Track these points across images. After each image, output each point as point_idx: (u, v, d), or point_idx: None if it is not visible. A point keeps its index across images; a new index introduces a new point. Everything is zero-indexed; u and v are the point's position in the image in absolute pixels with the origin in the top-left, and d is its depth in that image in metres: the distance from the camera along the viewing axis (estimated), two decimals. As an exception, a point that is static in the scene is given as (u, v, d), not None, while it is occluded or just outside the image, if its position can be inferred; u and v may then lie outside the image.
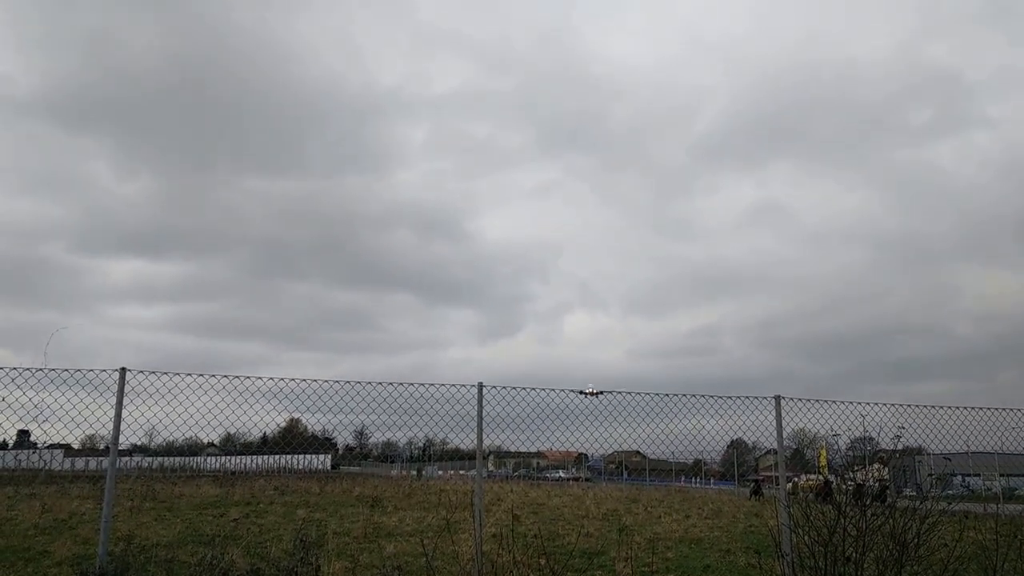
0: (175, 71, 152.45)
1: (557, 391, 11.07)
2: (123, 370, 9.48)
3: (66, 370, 9.33)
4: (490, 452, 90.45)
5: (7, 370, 9.09)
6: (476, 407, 10.28)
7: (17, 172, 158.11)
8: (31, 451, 56.54)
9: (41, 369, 9.26)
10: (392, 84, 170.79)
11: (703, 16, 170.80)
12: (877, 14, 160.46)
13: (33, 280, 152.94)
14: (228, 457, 75.51)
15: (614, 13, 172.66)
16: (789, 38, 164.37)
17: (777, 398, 10.76)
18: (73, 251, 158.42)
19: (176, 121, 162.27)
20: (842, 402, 11.08)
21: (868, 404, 11.28)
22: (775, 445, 10.97)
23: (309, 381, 10.23)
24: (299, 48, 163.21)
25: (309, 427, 16.43)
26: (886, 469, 10.30)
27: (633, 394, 11.05)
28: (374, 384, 10.34)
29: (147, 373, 9.61)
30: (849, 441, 11.05)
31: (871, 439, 11.13)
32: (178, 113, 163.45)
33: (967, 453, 13.23)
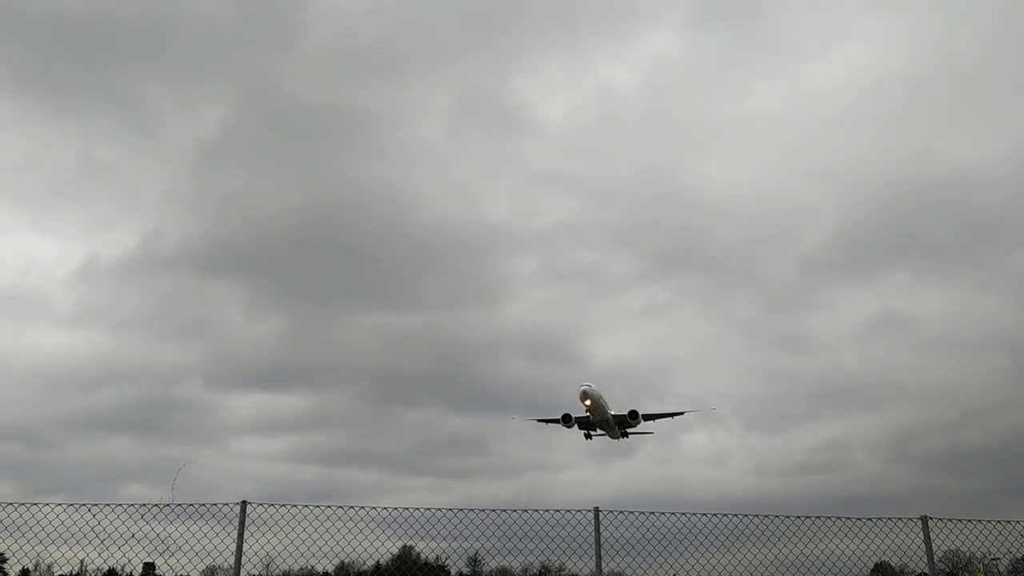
0: (302, 221, 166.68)
1: (678, 514, 10.50)
2: (244, 503, 9.64)
3: (191, 504, 9.61)
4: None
5: (137, 506, 9.44)
6: (593, 531, 9.91)
7: (162, 321, 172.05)
8: (156, 584, 57.84)
9: (168, 504, 9.58)
10: (501, 221, 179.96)
11: (800, 136, 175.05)
12: (979, 123, 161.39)
13: (169, 417, 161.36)
14: (343, 587, 75.13)
15: (711, 141, 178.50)
16: (892, 150, 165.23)
17: (924, 519, 9.87)
18: (206, 388, 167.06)
19: (302, 266, 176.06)
20: (998, 521, 10.11)
21: (1028, 523, 10.23)
22: (926, 569, 10.04)
23: (423, 510, 10.17)
24: (415, 194, 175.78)
25: (422, 554, 16.27)
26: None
27: (760, 517, 10.39)
28: (487, 511, 10.17)
29: (266, 505, 9.77)
30: (1010, 563, 10.15)
31: (1035, 561, 10.12)
32: (304, 259, 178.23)
33: None
